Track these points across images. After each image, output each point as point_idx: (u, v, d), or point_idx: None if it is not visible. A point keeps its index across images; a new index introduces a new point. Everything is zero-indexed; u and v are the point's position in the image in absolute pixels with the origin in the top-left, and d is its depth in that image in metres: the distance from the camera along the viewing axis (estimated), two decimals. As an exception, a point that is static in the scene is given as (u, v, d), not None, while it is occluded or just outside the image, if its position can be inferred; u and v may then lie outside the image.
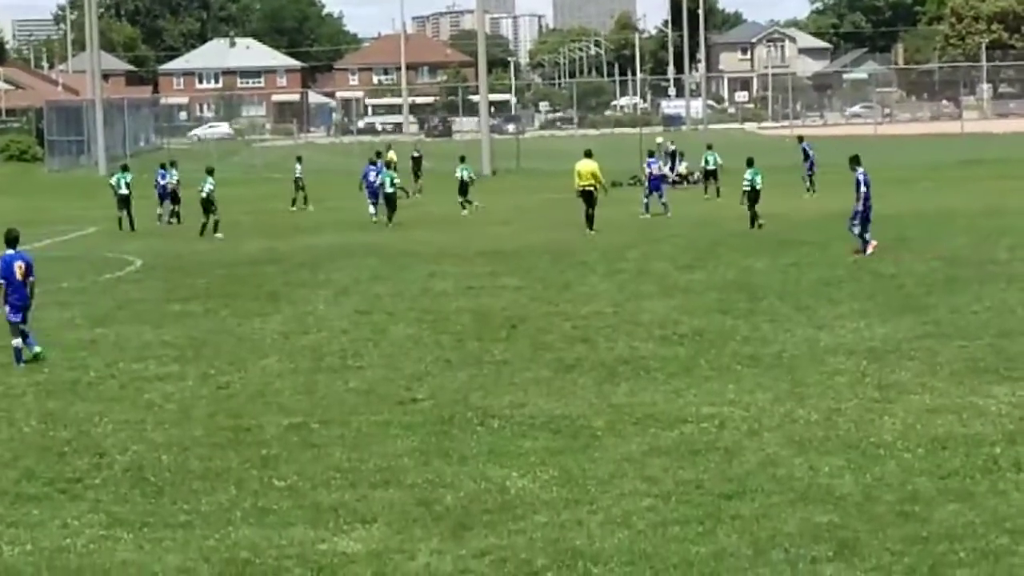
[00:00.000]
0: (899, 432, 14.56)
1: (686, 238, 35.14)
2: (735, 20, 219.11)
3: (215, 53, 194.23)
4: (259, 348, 21.00)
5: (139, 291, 28.33)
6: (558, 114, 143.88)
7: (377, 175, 43.65)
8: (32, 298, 20.06)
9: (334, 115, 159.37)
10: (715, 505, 12.22)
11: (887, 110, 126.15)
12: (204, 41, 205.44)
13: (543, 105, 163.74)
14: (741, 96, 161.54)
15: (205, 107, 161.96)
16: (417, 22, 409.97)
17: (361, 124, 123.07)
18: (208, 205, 39.69)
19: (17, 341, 19.90)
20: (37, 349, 20.16)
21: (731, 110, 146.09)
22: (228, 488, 13.30)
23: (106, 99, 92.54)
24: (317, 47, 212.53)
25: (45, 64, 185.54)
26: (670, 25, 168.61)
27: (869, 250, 29.97)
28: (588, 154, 38.17)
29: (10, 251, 19.94)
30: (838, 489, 12.59)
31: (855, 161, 30.72)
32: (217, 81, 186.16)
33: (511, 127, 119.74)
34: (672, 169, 55.01)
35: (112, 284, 29.81)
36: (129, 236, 40.82)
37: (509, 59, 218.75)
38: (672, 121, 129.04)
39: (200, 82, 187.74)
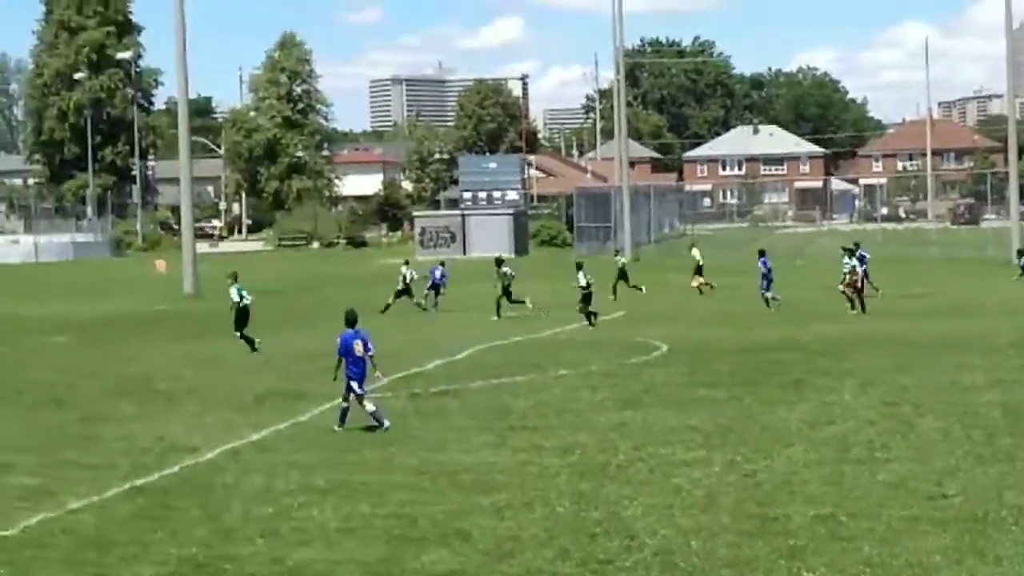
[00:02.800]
0: None
1: None
2: None
3: (739, 140, 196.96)
4: (784, 436, 20.96)
5: (664, 375, 28.81)
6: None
7: (442, 276, 48.56)
8: (374, 368, 22.56)
9: (857, 202, 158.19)
10: None
11: None
12: (728, 128, 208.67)
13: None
14: None
15: (728, 193, 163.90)
16: (943, 107, 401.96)
17: (884, 211, 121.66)
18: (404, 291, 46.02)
19: (345, 404, 22.26)
20: (387, 423, 22.05)
21: None
22: (756, 577, 13.35)
23: (632, 185, 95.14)
24: (840, 133, 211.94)
25: (575, 152, 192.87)
26: None
27: None
28: None
29: (350, 330, 22.31)
30: None
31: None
32: (740, 168, 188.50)
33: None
34: None
35: (639, 368, 30.41)
36: (653, 321, 41.57)
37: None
38: None
39: (723, 168, 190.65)
